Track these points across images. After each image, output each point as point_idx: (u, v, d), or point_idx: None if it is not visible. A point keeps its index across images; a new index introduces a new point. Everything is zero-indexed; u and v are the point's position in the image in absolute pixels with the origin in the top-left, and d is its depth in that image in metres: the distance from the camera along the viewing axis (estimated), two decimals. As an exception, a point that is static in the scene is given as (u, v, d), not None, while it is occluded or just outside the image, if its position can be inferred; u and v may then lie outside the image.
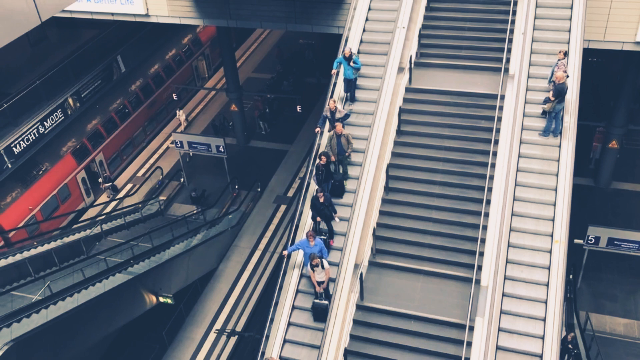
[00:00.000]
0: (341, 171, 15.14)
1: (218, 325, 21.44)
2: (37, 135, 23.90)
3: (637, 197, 24.09)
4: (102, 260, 19.84)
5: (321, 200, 13.73)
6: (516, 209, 13.95)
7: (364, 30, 17.71)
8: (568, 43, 16.01)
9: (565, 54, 15.16)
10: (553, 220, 13.63)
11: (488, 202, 13.95)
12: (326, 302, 13.11)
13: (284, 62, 35.64)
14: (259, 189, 26.94)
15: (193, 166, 28.34)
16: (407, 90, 16.67)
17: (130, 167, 29.43)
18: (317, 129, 15.75)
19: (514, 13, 17.02)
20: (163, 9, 21.95)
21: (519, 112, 15.00)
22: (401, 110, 16.05)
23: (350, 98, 16.51)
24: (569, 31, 16.27)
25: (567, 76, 14.61)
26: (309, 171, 15.34)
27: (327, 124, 15.68)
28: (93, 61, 27.43)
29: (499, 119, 15.11)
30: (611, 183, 24.73)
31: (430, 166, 15.42)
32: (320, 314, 13.16)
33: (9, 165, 22.78)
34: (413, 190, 15.18)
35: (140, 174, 28.92)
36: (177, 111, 31.29)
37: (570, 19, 16.45)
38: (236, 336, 20.94)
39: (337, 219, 14.29)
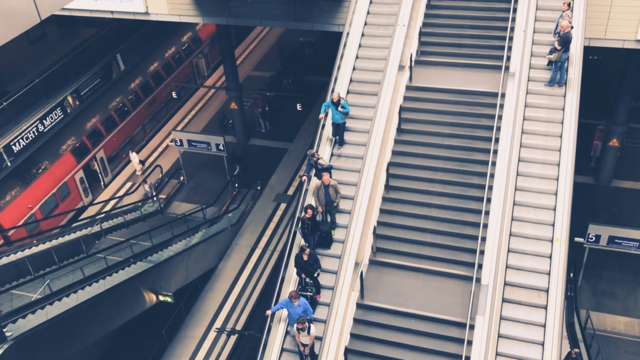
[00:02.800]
0: (329, 220, 14.43)
1: (218, 323, 21.41)
2: (36, 134, 23.85)
3: (638, 195, 24.04)
4: (101, 259, 19.80)
5: (305, 258, 13.07)
6: (518, 199, 14.02)
7: (362, 35, 17.64)
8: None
9: (569, 5, 15.57)
10: (554, 209, 13.75)
11: (489, 200, 13.92)
12: None
13: (284, 60, 35.57)
14: (259, 187, 26.90)
15: (193, 164, 28.29)
16: (408, 88, 16.63)
17: (129, 165, 29.36)
18: (304, 177, 14.89)
19: (515, 11, 16.99)
20: (162, 6, 21.88)
21: (519, 111, 15.03)
22: (402, 109, 16.01)
23: (339, 142, 15.79)
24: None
25: (572, 27, 15.07)
26: (295, 220, 14.56)
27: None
28: (92, 59, 27.36)
29: (500, 117, 15.11)
30: (612, 181, 24.69)
31: (430, 164, 15.39)
32: None
33: (9, 164, 22.73)
34: (414, 189, 15.14)
35: (139, 172, 28.86)
36: (130, 153, 28.29)
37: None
38: (236, 335, 20.91)
39: (318, 273, 13.35)
